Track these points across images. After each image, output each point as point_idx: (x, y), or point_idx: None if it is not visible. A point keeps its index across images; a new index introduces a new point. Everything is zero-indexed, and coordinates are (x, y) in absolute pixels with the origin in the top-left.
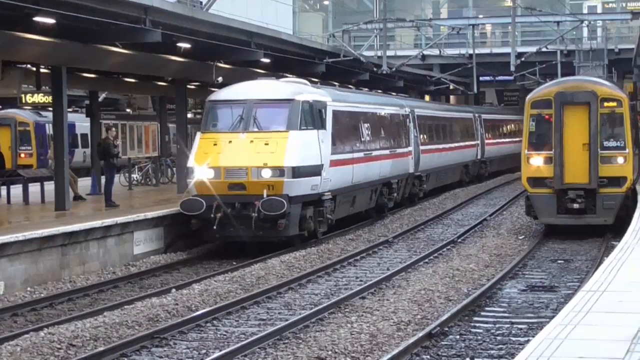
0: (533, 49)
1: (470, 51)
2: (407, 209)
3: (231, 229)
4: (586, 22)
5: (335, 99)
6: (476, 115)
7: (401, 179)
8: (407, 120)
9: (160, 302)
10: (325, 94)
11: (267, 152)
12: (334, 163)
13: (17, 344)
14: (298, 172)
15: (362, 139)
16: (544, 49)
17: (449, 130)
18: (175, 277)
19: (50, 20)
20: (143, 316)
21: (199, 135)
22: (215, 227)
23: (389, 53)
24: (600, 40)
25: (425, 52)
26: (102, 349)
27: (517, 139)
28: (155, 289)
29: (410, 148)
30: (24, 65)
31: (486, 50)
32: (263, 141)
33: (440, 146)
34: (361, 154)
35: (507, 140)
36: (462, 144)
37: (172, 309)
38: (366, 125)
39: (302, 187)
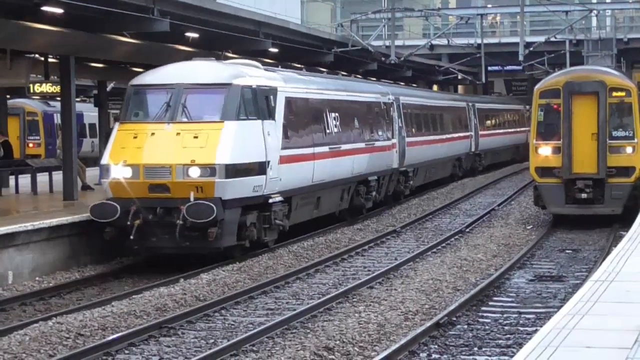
0: (542, 38)
1: (479, 41)
2: (414, 198)
3: (153, 239)
4: (595, 11)
5: (290, 84)
6: (470, 104)
7: (383, 176)
8: (391, 109)
9: (168, 291)
10: (278, 77)
11: (196, 147)
12: (285, 159)
13: (26, 333)
14: (234, 170)
15: (328, 131)
16: (552, 39)
17: (439, 121)
18: (184, 266)
19: (59, 10)
20: (151, 306)
21: (116, 126)
22: (132, 237)
23: (397, 43)
24: (609, 29)
25: (433, 42)
26: (110, 338)
27: (514, 130)
28: (163, 279)
29: (394, 140)
30: (32, 55)
31: (495, 40)
32: (192, 133)
33: (429, 138)
34: (326, 149)
35: (503, 131)
36: (454, 135)
37: (180, 299)
38: (334, 114)
39: (240, 188)
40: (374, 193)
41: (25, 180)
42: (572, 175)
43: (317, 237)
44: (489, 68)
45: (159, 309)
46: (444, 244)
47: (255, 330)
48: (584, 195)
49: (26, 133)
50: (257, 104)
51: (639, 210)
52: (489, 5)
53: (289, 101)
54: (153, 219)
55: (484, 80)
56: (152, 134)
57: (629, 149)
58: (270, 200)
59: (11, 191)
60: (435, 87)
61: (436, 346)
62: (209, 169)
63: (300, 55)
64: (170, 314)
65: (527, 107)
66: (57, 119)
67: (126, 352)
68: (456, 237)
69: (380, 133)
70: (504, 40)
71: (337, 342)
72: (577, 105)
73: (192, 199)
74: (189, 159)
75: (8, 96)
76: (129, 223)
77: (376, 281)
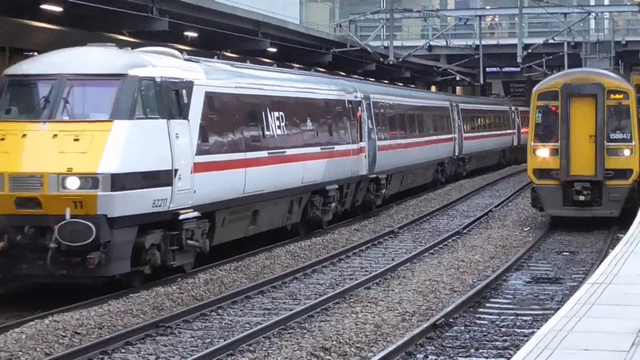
0: (540, 40)
1: (477, 42)
2: (412, 199)
3: (23, 265)
4: (593, 13)
5: (213, 77)
6: (453, 104)
7: (347, 184)
8: (359, 108)
9: (165, 290)
10: (197, 69)
11: (76, 152)
12: (202, 167)
13: (22, 331)
14: (124, 181)
15: (268, 133)
16: (551, 41)
17: (417, 122)
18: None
19: (58, 8)
20: (148, 305)
21: None
22: None
23: (396, 43)
24: (607, 32)
25: (432, 43)
26: (107, 337)
27: (500, 132)
28: (161, 278)
29: (362, 144)
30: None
31: (493, 42)
32: (72, 135)
33: (406, 141)
34: (263, 154)
35: (490, 133)
36: (434, 137)
37: (177, 298)
38: (277, 114)
39: (134, 203)
40: (333, 204)
41: None
42: (570, 178)
43: (314, 237)
44: (488, 69)
45: (155, 308)
46: (441, 245)
47: (251, 330)
48: (581, 198)
49: None
50: (161, 99)
51: (636, 213)
52: (488, 7)
53: (211, 97)
54: (22, 241)
55: (482, 81)
56: (24, 135)
57: (626, 152)
58: (181, 217)
59: None
60: (433, 88)
61: (433, 347)
62: (91, 180)
63: (299, 55)
64: (167, 313)
65: (514, 108)
66: None
67: (123, 350)
68: (453, 238)
69: (342, 135)
70: (503, 41)
71: (334, 342)
72: (575, 107)
73: (68, 216)
74: (65, 166)
75: None
76: None
77: (373, 282)
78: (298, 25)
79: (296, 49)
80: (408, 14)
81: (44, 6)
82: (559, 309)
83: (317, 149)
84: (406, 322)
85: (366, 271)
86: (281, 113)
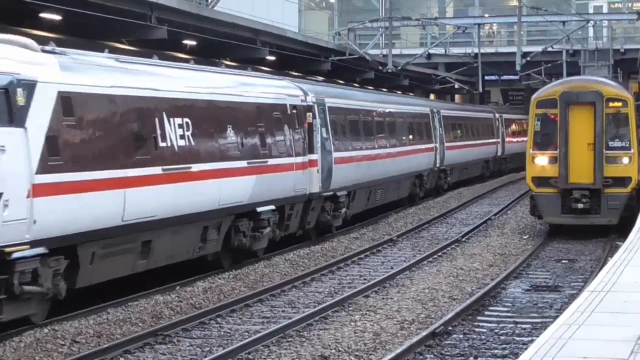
0: (539, 48)
1: (476, 50)
2: (410, 207)
3: None
4: (592, 22)
5: (74, 74)
6: (434, 110)
7: (291, 204)
8: (308, 114)
9: (164, 299)
10: (50, 62)
11: None
12: (48, 189)
13: (21, 340)
14: None
15: (163, 145)
16: (549, 49)
17: (389, 130)
18: (180, 274)
19: (57, 17)
20: (147, 313)
21: None
22: None
23: (395, 52)
24: (605, 40)
25: (430, 51)
26: (105, 345)
27: (484, 142)
28: (159, 286)
29: (314, 156)
30: None
31: (492, 50)
32: None
33: (374, 152)
34: (156, 170)
35: (474, 142)
36: (411, 147)
37: (175, 306)
38: (180, 120)
39: None
40: (267, 229)
41: None
42: (569, 185)
43: (313, 245)
44: (486, 77)
45: (154, 317)
46: (440, 253)
47: (250, 339)
48: (580, 206)
49: None
50: None
51: (635, 221)
52: (486, 15)
53: (68, 99)
54: None
55: (480, 89)
56: None
57: (625, 160)
58: (15, 256)
59: None
60: (432, 96)
61: (432, 355)
62: None
63: (298, 63)
64: (165, 321)
65: (498, 115)
66: None
67: (121, 359)
68: (452, 246)
69: (281, 147)
70: (501, 49)
71: (333, 350)
72: (574, 115)
73: None
74: None
75: None
76: None
77: (372, 290)
78: (297, 33)
79: (295, 57)
80: (407, 22)
81: (44, 15)
82: (557, 317)
83: (241, 164)
84: (405, 331)
85: (365, 279)
86: (186, 120)
